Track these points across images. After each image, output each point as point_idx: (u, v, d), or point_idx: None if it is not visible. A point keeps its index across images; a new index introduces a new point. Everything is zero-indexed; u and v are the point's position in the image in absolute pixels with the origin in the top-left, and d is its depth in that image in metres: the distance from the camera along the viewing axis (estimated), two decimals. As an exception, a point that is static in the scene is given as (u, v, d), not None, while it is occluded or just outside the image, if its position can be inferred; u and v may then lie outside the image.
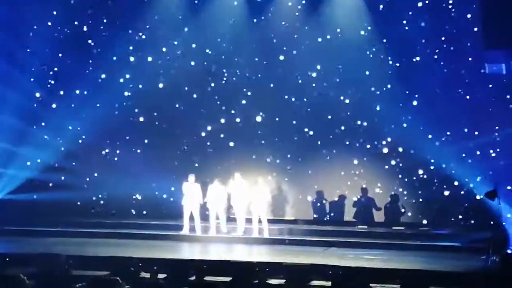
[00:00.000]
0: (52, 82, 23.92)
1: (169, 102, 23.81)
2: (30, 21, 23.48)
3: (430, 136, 21.94)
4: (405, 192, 22.55)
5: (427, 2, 22.18)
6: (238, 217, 20.89)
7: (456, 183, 21.64)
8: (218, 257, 18.04)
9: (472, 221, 21.18)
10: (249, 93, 23.65)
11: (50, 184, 23.70)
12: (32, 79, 23.65)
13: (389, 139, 22.57)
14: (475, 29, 21.19)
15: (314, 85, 23.15)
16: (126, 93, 23.97)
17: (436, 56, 22.11)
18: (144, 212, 23.56)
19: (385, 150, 22.56)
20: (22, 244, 19.13)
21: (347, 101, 22.96)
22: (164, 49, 23.88)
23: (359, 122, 22.90)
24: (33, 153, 23.42)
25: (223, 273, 13.93)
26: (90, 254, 16.84)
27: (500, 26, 14.14)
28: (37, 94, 23.85)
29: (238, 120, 23.66)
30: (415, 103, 22.26)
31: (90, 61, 23.91)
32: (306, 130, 23.32)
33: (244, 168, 22.06)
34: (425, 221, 21.86)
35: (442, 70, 22.01)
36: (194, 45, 23.84)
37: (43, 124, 23.75)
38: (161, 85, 23.82)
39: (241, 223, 20.86)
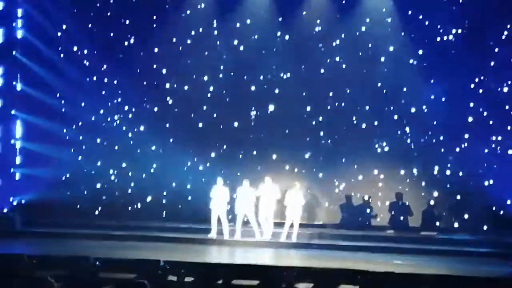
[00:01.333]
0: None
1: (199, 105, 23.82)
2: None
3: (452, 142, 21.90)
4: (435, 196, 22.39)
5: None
6: (268, 221, 20.80)
7: (486, 185, 21.42)
8: (245, 261, 18.00)
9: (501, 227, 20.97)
10: (277, 93, 23.54)
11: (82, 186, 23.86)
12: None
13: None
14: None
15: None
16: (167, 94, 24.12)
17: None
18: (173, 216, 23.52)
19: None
20: (50, 246, 19.27)
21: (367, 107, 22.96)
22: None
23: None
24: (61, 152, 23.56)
25: (251, 277, 13.88)
26: (118, 256, 16.83)
27: None
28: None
29: (264, 121, 23.61)
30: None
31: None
32: (333, 134, 23.17)
33: (273, 171, 22.07)
34: (456, 225, 21.65)
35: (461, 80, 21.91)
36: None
37: (78, 123, 24.06)
38: (186, 87, 23.87)
39: (270, 227, 20.79)
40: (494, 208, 21.38)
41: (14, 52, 23.39)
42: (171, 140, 23.63)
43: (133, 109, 23.96)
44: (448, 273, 15.69)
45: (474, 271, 16.32)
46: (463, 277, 15.16)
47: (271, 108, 23.39)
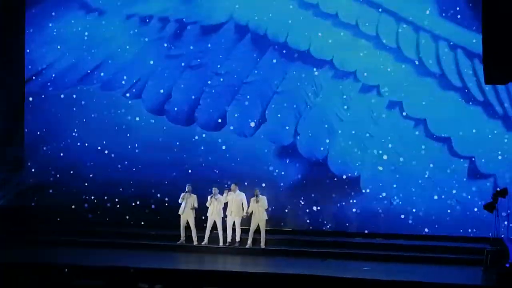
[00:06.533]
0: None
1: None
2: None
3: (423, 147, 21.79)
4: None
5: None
6: (236, 228, 20.78)
7: (453, 191, 21.35)
8: (215, 267, 17.97)
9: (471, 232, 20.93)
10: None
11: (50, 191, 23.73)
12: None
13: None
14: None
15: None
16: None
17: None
18: (142, 223, 23.34)
19: (385, 157, 22.15)
20: (22, 253, 19.16)
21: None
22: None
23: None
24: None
25: (220, 283, 13.89)
26: (86, 263, 16.75)
27: (500, 62, 14.12)
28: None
29: (232, 127, 22.96)
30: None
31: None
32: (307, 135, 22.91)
33: (240, 178, 22.01)
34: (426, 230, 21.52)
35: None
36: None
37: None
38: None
39: (237, 233, 20.77)
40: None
41: None
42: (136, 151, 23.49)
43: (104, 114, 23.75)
44: (417, 279, 15.74)
45: (443, 277, 16.41)
46: (432, 283, 15.27)
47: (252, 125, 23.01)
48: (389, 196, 21.58)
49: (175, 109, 23.24)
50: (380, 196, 21.64)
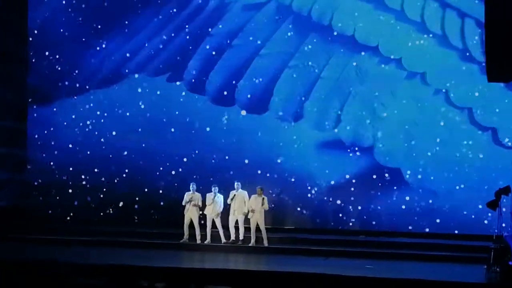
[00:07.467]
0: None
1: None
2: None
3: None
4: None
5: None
6: (239, 226, 20.78)
7: (457, 187, 21.28)
8: (217, 265, 17.96)
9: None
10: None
11: (53, 191, 23.77)
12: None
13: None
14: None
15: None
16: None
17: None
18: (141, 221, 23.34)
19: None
20: (23, 253, 19.18)
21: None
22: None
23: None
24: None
25: (223, 282, 13.88)
26: (89, 261, 16.77)
27: (503, 61, 14.10)
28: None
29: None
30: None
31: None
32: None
33: (242, 176, 21.93)
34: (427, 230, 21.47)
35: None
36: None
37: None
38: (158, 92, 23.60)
39: (241, 232, 20.77)
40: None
41: None
42: (143, 145, 23.38)
43: (105, 114, 23.71)
44: (420, 277, 15.70)
45: (446, 275, 16.36)
46: (435, 281, 15.24)
47: (243, 113, 22.94)
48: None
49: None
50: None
